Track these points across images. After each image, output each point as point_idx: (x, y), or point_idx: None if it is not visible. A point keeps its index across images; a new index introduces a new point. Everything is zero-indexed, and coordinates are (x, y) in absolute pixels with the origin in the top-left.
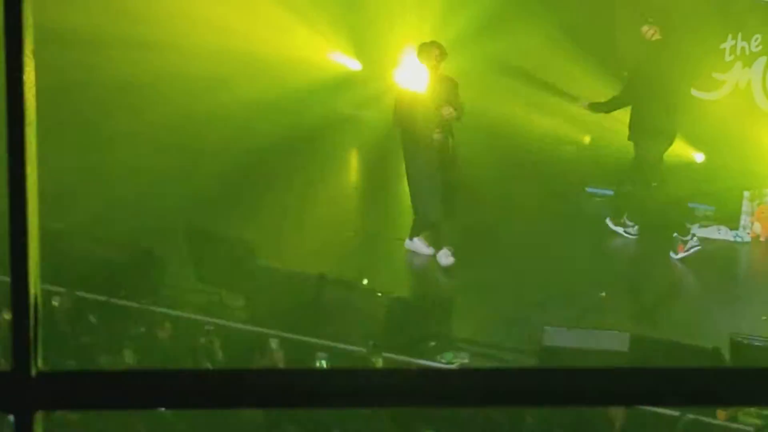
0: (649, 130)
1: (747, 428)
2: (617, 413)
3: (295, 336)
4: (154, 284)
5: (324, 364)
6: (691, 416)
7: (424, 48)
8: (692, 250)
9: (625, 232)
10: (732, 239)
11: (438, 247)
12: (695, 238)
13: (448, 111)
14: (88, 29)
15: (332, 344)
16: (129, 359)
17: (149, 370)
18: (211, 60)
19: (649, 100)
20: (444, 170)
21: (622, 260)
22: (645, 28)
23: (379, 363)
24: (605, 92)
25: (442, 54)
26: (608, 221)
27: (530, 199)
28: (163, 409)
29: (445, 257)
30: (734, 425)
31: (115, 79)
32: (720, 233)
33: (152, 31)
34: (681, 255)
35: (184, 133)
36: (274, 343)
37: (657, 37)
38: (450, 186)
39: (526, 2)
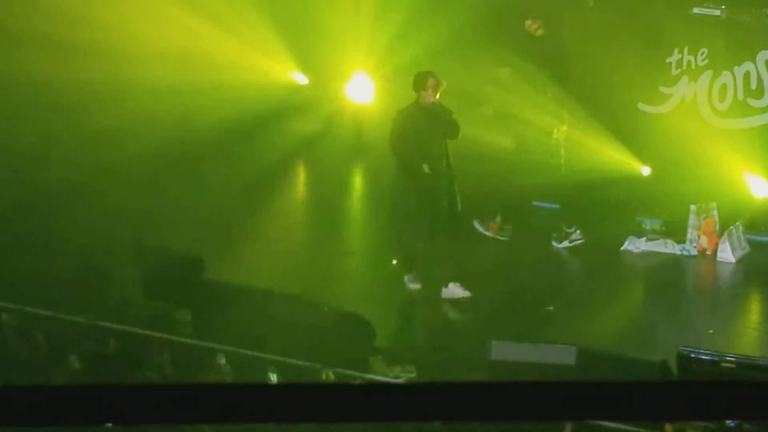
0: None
1: None
2: (570, 425)
3: (242, 350)
4: (101, 299)
5: (274, 378)
6: (643, 431)
7: (421, 77)
8: (576, 242)
9: (570, 242)
10: (679, 253)
11: (409, 271)
12: (578, 232)
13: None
14: (42, 34)
15: (280, 359)
16: (76, 374)
17: (96, 385)
18: (157, 71)
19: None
20: (438, 199)
21: (569, 274)
22: (528, 22)
23: (330, 377)
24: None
25: (439, 84)
26: (554, 243)
27: (478, 213)
28: (110, 425)
29: (413, 282)
30: None
31: (62, 88)
32: (667, 247)
33: (104, 40)
34: (564, 245)
35: (129, 146)
36: (221, 358)
37: (541, 31)
38: (441, 214)
39: (473, 22)
